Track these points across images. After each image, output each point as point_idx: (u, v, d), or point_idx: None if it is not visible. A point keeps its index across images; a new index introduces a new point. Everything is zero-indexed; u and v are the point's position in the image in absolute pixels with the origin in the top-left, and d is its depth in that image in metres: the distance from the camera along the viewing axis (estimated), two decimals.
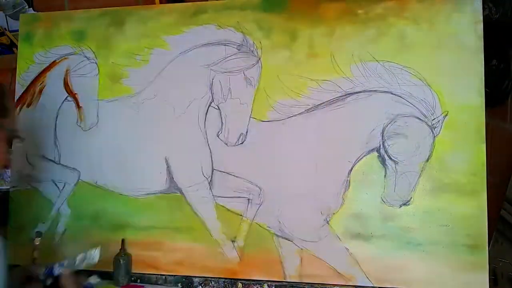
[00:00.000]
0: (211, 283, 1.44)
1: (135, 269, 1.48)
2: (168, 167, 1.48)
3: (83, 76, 1.58)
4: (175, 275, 1.46)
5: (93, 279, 1.34)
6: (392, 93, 1.34)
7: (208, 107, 1.46)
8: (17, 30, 1.66)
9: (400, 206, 1.33)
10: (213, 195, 1.45)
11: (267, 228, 1.41)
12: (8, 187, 1.64)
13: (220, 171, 1.45)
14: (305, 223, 1.38)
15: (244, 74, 1.42)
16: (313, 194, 1.38)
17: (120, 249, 1.46)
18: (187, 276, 1.45)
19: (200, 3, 1.51)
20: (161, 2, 1.61)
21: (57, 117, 1.59)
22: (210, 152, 1.46)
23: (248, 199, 1.42)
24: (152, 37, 1.53)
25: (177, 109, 1.48)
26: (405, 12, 1.35)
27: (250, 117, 1.43)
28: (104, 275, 1.49)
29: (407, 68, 1.33)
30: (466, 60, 1.31)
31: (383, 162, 1.34)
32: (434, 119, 1.31)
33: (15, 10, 1.69)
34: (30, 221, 1.57)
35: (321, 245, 1.37)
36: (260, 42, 1.44)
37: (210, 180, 1.45)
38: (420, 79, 1.32)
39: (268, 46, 1.43)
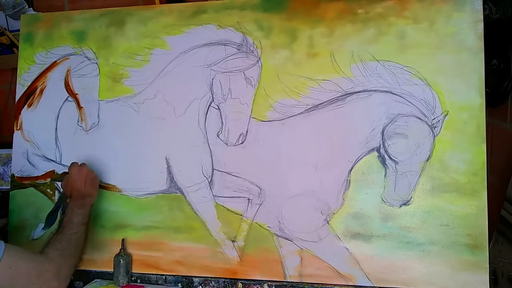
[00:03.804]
0: (211, 283, 1.44)
1: (135, 269, 1.48)
2: (168, 167, 1.48)
3: (84, 76, 1.58)
4: (175, 275, 1.46)
5: None
6: (392, 93, 1.34)
7: (208, 107, 1.46)
8: (17, 30, 1.66)
9: (400, 206, 1.32)
10: (213, 195, 1.45)
11: (267, 228, 1.41)
12: (8, 187, 1.64)
13: (220, 171, 1.45)
14: (305, 223, 1.38)
15: (244, 74, 1.42)
16: (313, 194, 1.38)
17: (120, 249, 1.46)
18: (187, 276, 1.45)
19: (200, 3, 1.51)
20: (161, 2, 1.62)
21: (58, 117, 1.59)
22: (210, 152, 1.46)
23: (248, 199, 1.42)
24: (152, 37, 1.53)
25: (178, 109, 1.48)
26: (405, 11, 1.35)
27: (250, 117, 1.43)
28: (104, 275, 1.50)
29: (407, 67, 1.33)
30: (466, 60, 1.31)
31: (383, 162, 1.34)
32: (434, 118, 1.31)
33: (15, 10, 1.70)
34: (30, 221, 1.57)
35: (321, 245, 1.37)
36: (260, 42, 1.44)
37: (210, 180, 1.45)
38: (420, 78, 1.32)
39: (268, 46, 1.43)
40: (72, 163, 1.44)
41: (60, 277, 1.20)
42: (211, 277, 1.44)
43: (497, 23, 1.36)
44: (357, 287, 1.34)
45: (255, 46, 1.44)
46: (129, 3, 1.67)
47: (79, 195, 1.38)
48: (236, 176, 1.44)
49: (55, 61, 1.61)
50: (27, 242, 1.55)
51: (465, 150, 1.29)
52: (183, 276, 1.46)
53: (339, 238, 1.35)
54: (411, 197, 1.32)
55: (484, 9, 1.32)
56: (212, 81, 1.45)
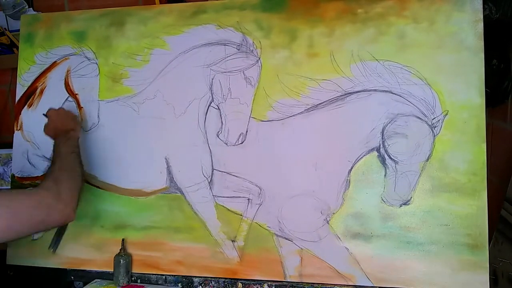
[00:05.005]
0: (211, 283, 1.44)
1: (135, 269, 1.48)
2: (168, 166, 1.48)
3: (84, 76, 1.58)
4: (175, 275, 1.46)
5: None
6: (392, 93, 1.34)
7: (208, 107, 1.46)
8: (17, 30, 1.67)
9: (400, 206, 1.32)
10: (213, 195, 1.45)
11: (267, 228, 1.41)
12: (8, 187, 1.64)
13: (220, 171, 1.45)
14: (305, 223, 1.38)
15: (244, 74, 1.42)
16: (313, 194, 1.38)
17: (120, 249, 1.46)
18: (187, 276, 1.45)
19: (200, 3, 1.51)
20: (161, 2, 1.62)
21: None
22: (210, 152, 1.46)
23: (248, 199, 1.42)
24: (152, 37, 1.53)
25: (177, 109, 1.48)
26: (405, 11, 1.35)
27: (250, 117, 1.43)
28: (104, 275, 1.50)
29: (407, 67, 1.33)
30: (466, 60, 1.31)
31: (383, 161, 1.34)
32: (434, 118, 1.30)
33: (15, 10, 1.70)
34: None
35: (321, 245, 1.36)
36: (259, 41, 1.44)
37: (210, 180, 1.45)
38: (420, 78, 1.32)
39: (267, 46, 1.43)
40: (49, 108, 1.49)
41: (62, 200, 1.18)
42: (211, 277, 1.44)
43: (497, 23, 1.36)
44: (357, 287, 1.34)
45: (254, 46, 1.44)
46: (129, 3, 1.67)
47: (62, 132, 1.42)
48: (236, 176, 1.44)
49: (55, 61, 1.61)
50: (27, 243, 1.55)
51: (465, 150, 1.29)
52: (183, 276, 1.46)
53: (339, 238, 1.35)
54: (411, 197, 1.32)
55: (484, 9, 1.32)
56: (212, 81, 1.45)
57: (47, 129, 1.46)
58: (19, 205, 1.10)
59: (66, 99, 1.59)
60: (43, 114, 1.48)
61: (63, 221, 1.20)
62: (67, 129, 1.43)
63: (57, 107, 1.50)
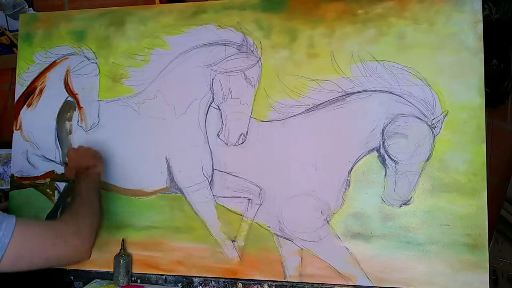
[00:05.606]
0: (211, 283, 1.44)
1: (135, 269, 1.48)
2: (168, 167, 1.48)
3: (84, 76, 1.58)
4: (175, 275, 1.46)
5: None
6: (392, 93, 1.34)
7: (209, 107, 1.46)
8: (17, 30, 1.66)
9: (400, 206, 1.32)
10: (213, 195, 1.45)
11: (267, 228, 1.41)
12: (8, 187, 1.64)
13: (220, 171, 1.45)
14: (305, 223, 1.38)
15: (244, 74, 1.42)
16: (313, 194, 1.38)
17: (120, 249, 1.46)
18: (187, 276, 1.45)
19: (200, 3, 1.51)
20: (161, 2, 1.62)
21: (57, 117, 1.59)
22: (211, 152, 1.46)
23: (248, 199, 1.42)
24: (152, 37, 1.53)
25: (178, 109, 1.48)
26: (405, 12, 1.35)
27: (250, 117, 1.43)
28: (104, 275, 1.50)
29: (407, 68, 1.33)
30: (466, 60, 1.31)
31: (383, 161, 1.34)
32: (434, 118, 1.31)
33: (15, 10, 1.70)
34: None
35: (321, 245, 1.37)
36: (260, 42, 1.44)
37: (211, 180, 1.45)
38: (420, 78, 1.32)
39: (268, 46, 1.43)
40: (68, 148, 1.47)
41: (81, 236, 1.17)
42: (211, 277, 1.44)
43: (497, 23, 1.36)
44: (357, 287, 1.34)
45: (255, 46, 1.44)
46: (129, 2, 1.67)
47: (82, 170, 1.37)
48: (236, 176, 1.44)
49: (55, 61, 1.60)
50: None
51: (465, 150, 1.30)
52: (183, 276, 1.46)
53: (339, 238, 1.35)
54: (411, 197, 1.32)
55: (484, 9, 1.32)
56: (212, 81, 1.45)
57: (69, 171, 1.43)
58: (33, 236, 1.07)
59: (66, 99, 1.59)
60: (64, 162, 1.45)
61: (79, 259, 1.17)
62: (88, 166, 1.39)
63: (76, 146, 1.49)
